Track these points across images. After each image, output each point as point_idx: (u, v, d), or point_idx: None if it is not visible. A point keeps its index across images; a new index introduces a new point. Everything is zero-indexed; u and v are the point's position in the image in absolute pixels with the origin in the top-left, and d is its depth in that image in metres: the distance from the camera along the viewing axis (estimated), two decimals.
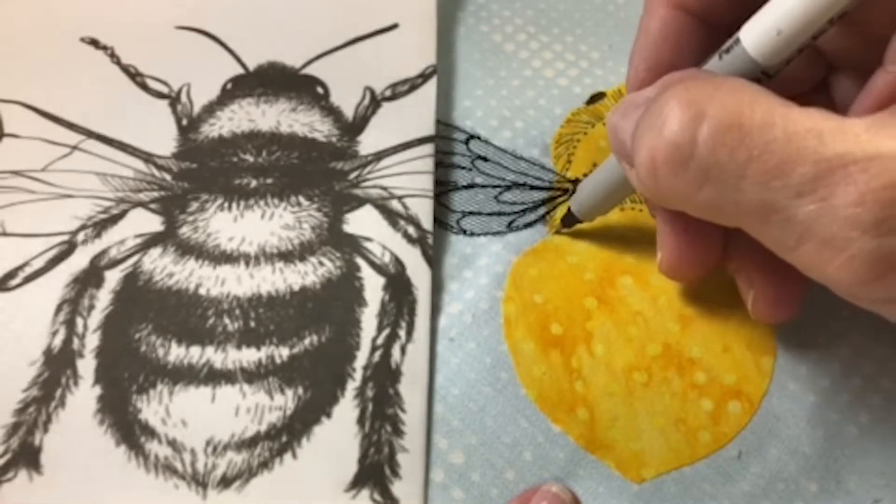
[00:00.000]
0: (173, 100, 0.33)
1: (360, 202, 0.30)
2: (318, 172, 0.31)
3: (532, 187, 0.32)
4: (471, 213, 0.31)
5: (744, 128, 0.19)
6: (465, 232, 0.30)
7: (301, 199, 0.30)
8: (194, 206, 0.30)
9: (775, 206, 0.19)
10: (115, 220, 0.29)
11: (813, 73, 0.25)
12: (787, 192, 0.19)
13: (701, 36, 0.25)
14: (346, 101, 0.33)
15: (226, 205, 0.30)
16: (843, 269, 0.19)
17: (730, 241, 0.26)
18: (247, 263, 0.28)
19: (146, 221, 0.30)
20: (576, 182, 0.32)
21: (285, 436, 0.25)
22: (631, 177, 0.24)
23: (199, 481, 0.24)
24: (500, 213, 0.31)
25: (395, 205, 0.30)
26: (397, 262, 0.28)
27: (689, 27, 0.25)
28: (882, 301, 0.20)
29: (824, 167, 0.18)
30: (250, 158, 0.31)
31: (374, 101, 0.33)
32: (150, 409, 0.25)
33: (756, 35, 0.21)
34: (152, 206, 0.30)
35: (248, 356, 0.26)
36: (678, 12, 0.25)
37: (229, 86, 0.34)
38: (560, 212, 0.31)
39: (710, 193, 0.20)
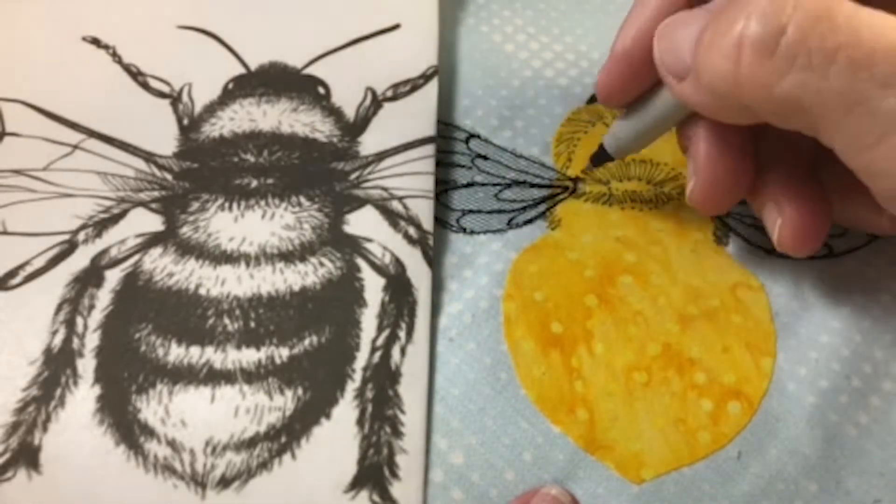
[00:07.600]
0: (174, 99, 0.33)
1: (360, 203, 0.30)
2: (319, 173, 0.31)
3: (532, 185, 0.32)
4: (470, 211, 0.31)
5: (833, 18, 0.20)
6: (464, 230, 0.30)
7: (302, 199, 0.30)
8: (195, 205, 0.30)
9: (860, 96, 0.20)
10: (115, 219, 0.29)
11: None
12: (874, 83, 0.19)
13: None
14: (348, 101, 0.33)
15: (226, 205, 0.30)
16: None
17: (762, 169, 0.26)
18: (247, 263, 0.28)
19: (147, 221, 0.30)
20: (576, 180, 0.32)
21: (284, 436, 0.25)
22: (682, 92, 0.24)
23: (198, 481, 0.24)
24: (499, 211, 0.31)
25: (396, 205, 0.30)
26: (397, 262, 0.28)
27: (687, 5, 0.25)
28: None
29: None
30: (251, 158, 0.31)
31: (376, 102, 0.33)
32: (150, 408, 0.25)
33: None
34: (153, 205, 0.30)
35: (248, 356, 0.26)
36: None
37: (231, 85, 0.34)
38: (560, 207, 0.31)
39: (795, 82, 0.20)
